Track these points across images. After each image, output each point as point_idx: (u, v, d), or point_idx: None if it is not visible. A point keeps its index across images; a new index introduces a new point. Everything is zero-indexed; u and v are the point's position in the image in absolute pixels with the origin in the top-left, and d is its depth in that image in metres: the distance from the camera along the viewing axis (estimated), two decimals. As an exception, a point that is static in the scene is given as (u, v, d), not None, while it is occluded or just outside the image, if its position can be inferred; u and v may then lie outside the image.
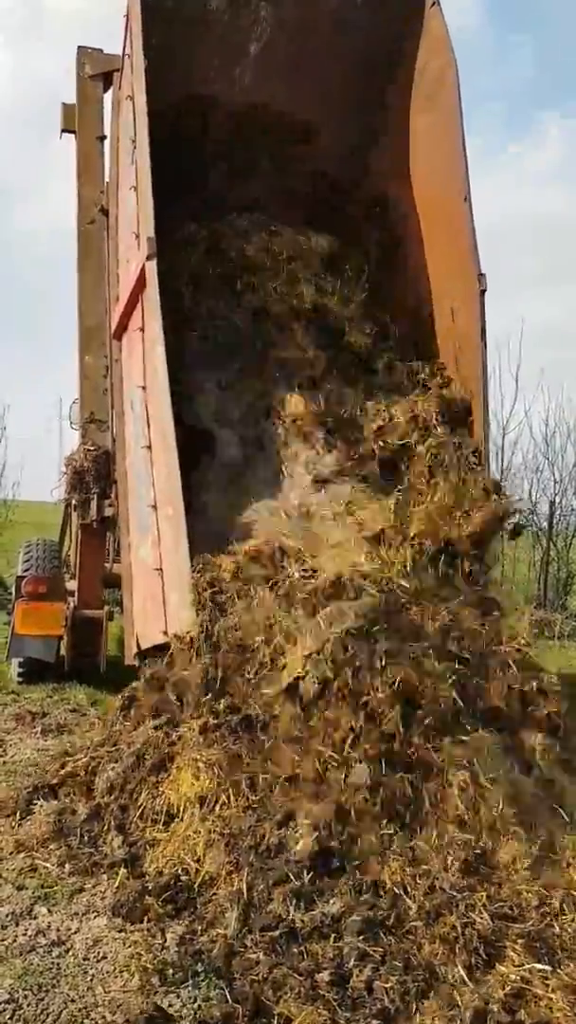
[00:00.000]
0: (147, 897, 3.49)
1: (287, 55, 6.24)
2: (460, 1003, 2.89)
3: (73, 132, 7.98)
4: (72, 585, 7.84)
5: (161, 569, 4.90)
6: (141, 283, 5.17)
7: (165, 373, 4.80)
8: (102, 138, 7.80)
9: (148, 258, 4.96)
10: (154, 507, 5.01)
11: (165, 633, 4.67)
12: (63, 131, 8.06)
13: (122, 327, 5.98)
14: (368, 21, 6.14)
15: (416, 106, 6.11)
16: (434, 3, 5.88)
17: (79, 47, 7.95)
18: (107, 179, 7.37)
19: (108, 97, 7.67)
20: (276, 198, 6.65)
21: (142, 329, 5.31)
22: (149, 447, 5.14)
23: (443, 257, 5.91)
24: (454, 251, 5.70)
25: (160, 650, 4.71)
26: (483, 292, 5.38)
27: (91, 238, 7.70)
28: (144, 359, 5.27)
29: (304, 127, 6.59)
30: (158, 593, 4.91)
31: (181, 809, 3.85)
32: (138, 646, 5.16)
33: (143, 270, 5.04)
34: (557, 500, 15.05)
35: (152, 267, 4.95)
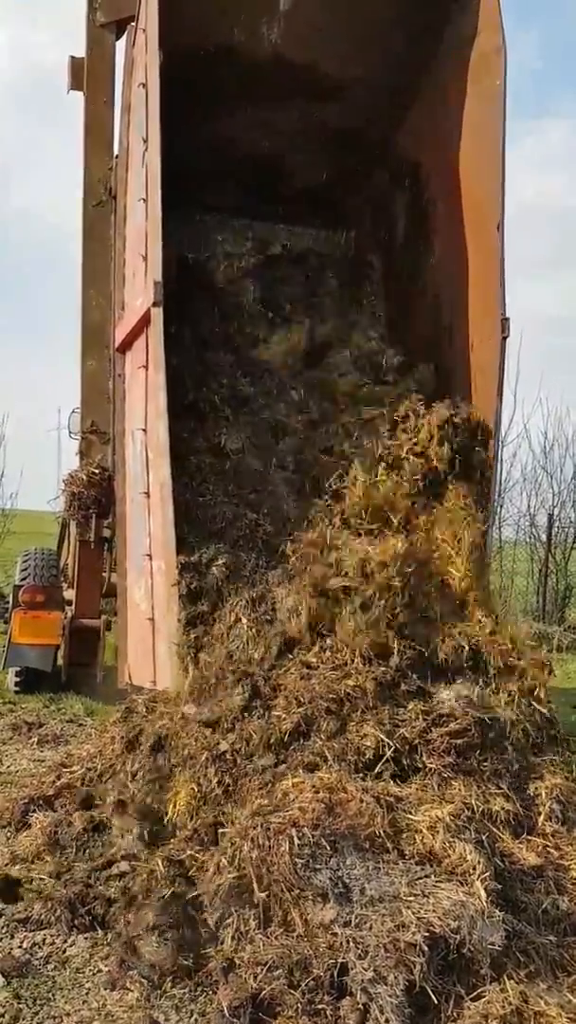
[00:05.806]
0: (142, 910, 3.45)
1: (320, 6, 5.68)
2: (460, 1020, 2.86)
3: (81, 90, 6.99)
4: (70, 595, 7.76)
5: (153, 620, 4.78)
6: (146, 321, 4.74)
7: (167, 436, 4.45)
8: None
9: (154, 304, 4.53)
10: (149, 556, 4.84)
11: (154, 683, 4.66)
12: (70, 88, 7.10)
13: (126, 345, 5.51)
14: None
15: (461, 77, 5.48)
16: None
17: None
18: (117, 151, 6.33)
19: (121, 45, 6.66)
20: (299, 157, 6.26)
21: (145, 367, 4.88)
22: (147, 494, 4.86)
23: (469, 276, 5.49)
24: (480, 278, 5.34)
25: None
26: (504, 338, 5.04)
27: (97, 223, 6.79)
28: (146, 403, 4.88)
29: (333, 82, 6.01)
30: (149, 642, 4.81)
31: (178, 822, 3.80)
32: (130, 676, 5.12)
33: (148, 312, 4.61)
34: (556, 513, 15.08)
35: (158, 313, 4.53)
